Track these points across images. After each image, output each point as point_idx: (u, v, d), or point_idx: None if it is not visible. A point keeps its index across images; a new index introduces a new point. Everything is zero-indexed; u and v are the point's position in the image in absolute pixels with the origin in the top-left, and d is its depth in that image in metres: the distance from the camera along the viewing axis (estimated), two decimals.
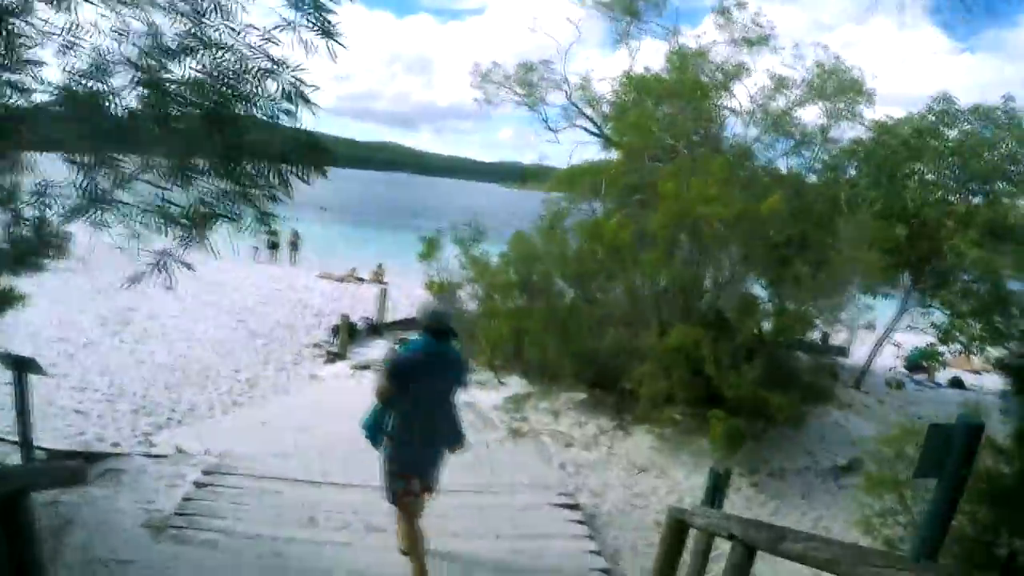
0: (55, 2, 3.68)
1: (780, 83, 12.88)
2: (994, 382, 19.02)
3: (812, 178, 13.63)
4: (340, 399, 11.43)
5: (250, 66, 3.98)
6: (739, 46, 13.30)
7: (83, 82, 3.86)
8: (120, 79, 3.91)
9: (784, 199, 9.54)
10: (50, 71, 3.91)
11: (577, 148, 14.53)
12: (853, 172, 14.73)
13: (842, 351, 15.38)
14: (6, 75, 3.87)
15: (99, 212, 3.99)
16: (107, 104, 3.90)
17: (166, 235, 4.25)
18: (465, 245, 11.72)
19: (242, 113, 4.18)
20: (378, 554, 5.61)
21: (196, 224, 4.36)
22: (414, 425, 4.97)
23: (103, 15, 3.76)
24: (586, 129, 14.39)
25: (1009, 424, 6.39)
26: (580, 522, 6.74)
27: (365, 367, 13.77)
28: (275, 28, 3.85)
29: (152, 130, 4.06)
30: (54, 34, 3.75)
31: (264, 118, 4.26)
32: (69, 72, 3.83)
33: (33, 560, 3.41)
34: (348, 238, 46.31)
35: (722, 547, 4.04)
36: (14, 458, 6.69)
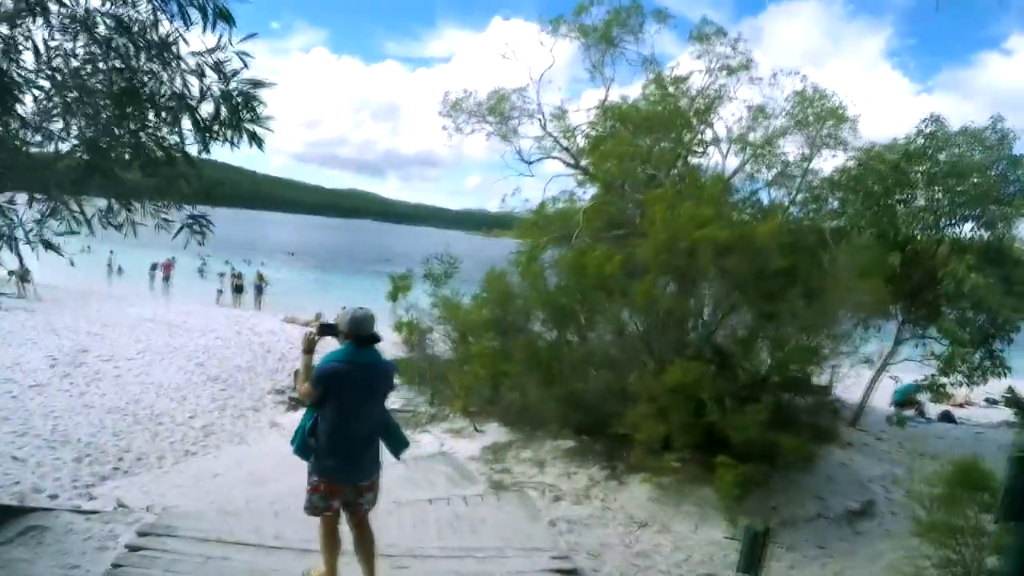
0: None
1: (760, 112, 12.35)
2: (983, 415, 18.64)
3: (793, 210, 13.07)
4: None
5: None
6: (717, 74, 12.74)
7: None
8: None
9: (777, 226, 8.93)
10: None
11: (552, 180, 13.79)
12: (836, 203, 14.19)
13: (824, 389, 14.68)
14: None
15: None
16: None
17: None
18: (437, 280, 10.97)
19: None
20: None
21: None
22: (340, 433, 4.76)
23: None
24: (563, 160, 13.67)
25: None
26: None
27: None
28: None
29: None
30: None
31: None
32: None
33: None
34: (315, 282, 45.95)
35: None
36: None
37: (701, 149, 12.67)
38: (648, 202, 9.65)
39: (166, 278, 34.51)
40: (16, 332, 17.17)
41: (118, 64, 4.27)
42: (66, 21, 4.13)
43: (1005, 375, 13.16)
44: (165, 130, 4.55)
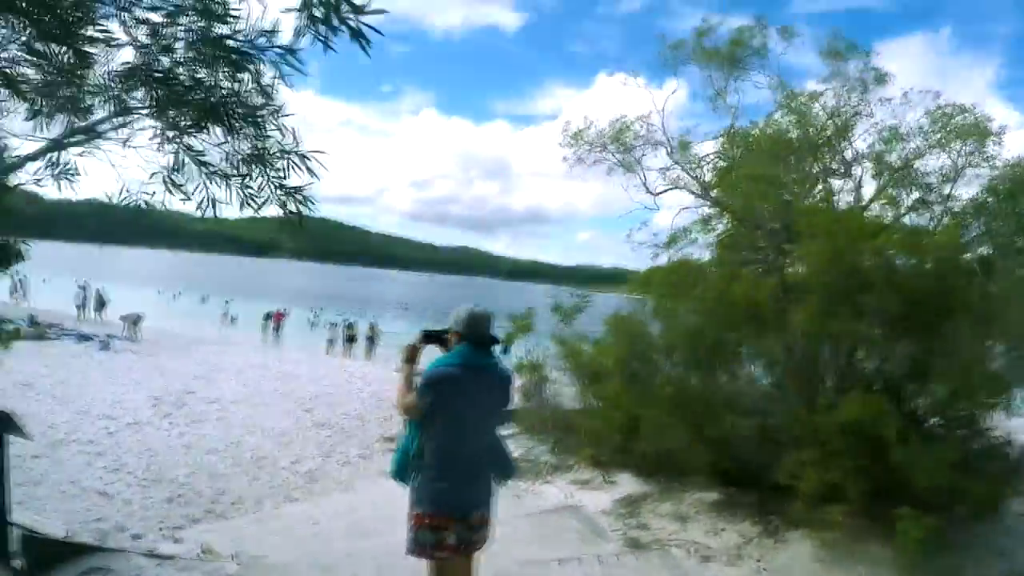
0: None
1: (893, 133, 11.15)
2: None
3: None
4: None
5: None
6: (850, 93, 11.61)
7: None
8: None
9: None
10: None
11: (680, 213, 12.81)
12: (980, 227, 12.68)
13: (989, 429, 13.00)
14: None
15: None
16: None
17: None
18: (566, 315, 10.13)
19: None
20: None
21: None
22: (451, 452, 3.97)
23: None
24: (691, 191, 12.69)
25: None
26: None
27: None
28: None
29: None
30: None
31: None
32: None
33: None
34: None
35: None
36: None
37: (842, 170, 11.55)
38: (806, 212, 8.58)
39: (277, 328, 35.35)
40: (122, 372, 17.82)
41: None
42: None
43: None
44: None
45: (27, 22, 3.57)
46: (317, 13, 3.36)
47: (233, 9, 3.78)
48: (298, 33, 3.58)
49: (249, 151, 4.24)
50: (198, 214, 4.34)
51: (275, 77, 4.10)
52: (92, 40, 3.77)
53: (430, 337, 4.30)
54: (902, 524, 6.55)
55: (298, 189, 4.30)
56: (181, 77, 4.00)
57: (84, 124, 4.41)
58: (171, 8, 3.78)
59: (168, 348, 23.75)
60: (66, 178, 4.55)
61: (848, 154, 11.34)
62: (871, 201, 11.07)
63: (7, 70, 3.86)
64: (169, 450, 11.20)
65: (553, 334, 11.66)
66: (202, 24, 3.84)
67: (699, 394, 8.45)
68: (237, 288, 60.21)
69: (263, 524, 8.49)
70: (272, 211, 4.36)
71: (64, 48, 3.75)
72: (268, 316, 36.22)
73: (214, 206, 4.32)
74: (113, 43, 3.86)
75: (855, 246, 7.41)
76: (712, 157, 12.52)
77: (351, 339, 31.73)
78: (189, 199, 4.35)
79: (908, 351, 8.44)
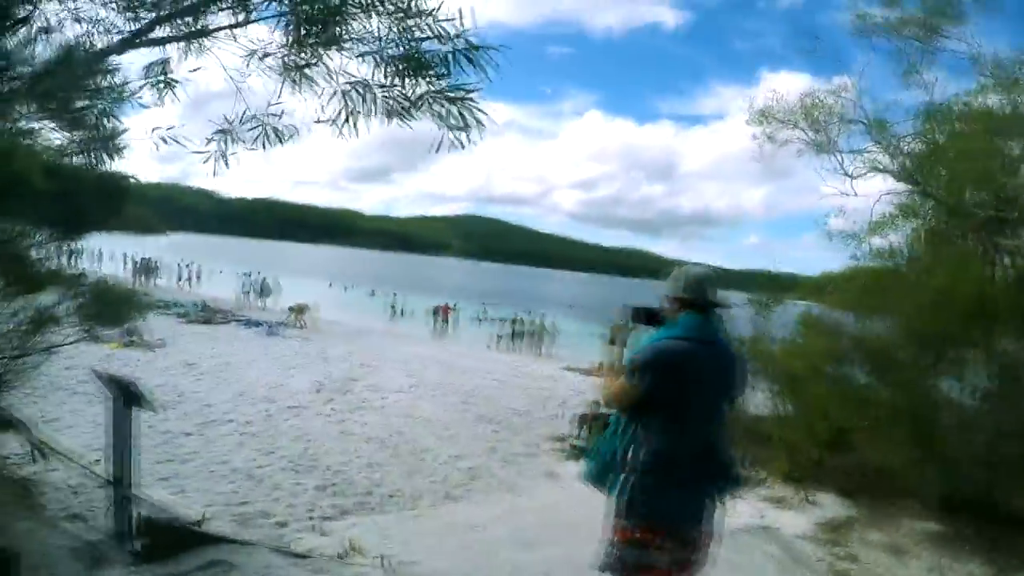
0: None
1: None
2: None
3: None
4: (584, 509, 8.67)
5: None
6: None
7: None
8: None
9: None
10: None
11: (880, 200, 11.49)
12: None
13: None
14: None
15: None
16: None
17: None
18: (763, 306, 9.19)
19: None
20: None
21: None
22: (672, 453, 3.09)
23: None
24: (893, 173, 11.34)
25: None
26: None
27: None
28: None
29: None
30: None
31: None
32: None
33: None
34: (592, 336, 45.49)
35: None
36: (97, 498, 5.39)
37: None
38: None
39: (444, 321, 35.80)
40: (287, 358, 18.29)
41: None
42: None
43: None
44: None
45: None
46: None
47: None
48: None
49: (401, 53, 3.67)
50: (335, 132, 3.97)
51: None
52: None
53: (640, 314, 3.53)
54: None
55: (465, 91, 3.68)
56: None
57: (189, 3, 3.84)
58: None
59: (335, 336, 24.47)
60: (167, 85, 4.14)
61: None
62: None
63: None
64: (326, 436, 11.02)
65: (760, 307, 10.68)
66: None
67: (929, 403, 7.27)
68: (406, 283, 62.00)
69: (418, 523, 7.94)
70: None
71: None
72: (435, 310, 36.85)
73: (353, 122, 3.90)
74: None
75: None
76: (913, 138, 11.20)
77: (518, 335, 31.65)
78: (319, 120, 3.97)
79: None
